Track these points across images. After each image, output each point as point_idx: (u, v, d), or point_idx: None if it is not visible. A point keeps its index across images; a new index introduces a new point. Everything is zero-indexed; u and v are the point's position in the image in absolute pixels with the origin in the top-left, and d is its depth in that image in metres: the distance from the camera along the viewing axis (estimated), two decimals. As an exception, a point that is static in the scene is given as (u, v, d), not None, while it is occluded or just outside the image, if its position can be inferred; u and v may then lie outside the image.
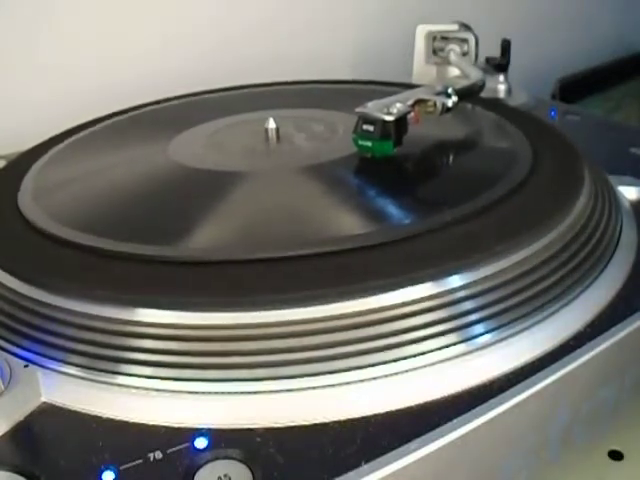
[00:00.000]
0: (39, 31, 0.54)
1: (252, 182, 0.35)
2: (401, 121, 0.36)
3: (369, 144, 0.35)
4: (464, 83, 0.43)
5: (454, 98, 0.38)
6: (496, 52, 0.54)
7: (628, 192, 0.38)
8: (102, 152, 0.42)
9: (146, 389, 0.25)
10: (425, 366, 0.25)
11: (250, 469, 0.22)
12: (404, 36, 0.56)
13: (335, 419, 0.24)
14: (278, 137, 0.40)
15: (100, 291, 0.27)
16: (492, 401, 0.24)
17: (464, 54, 0.53)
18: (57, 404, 0.25)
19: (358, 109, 0.36)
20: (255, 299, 0.25)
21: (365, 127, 0.35)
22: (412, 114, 0.37)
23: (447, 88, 0.38)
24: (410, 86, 0.43)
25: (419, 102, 0.37)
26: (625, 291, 0.30)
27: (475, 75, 0.46)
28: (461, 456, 0.24)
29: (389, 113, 0.35)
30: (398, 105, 0.36)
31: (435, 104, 0.37)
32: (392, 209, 0.33)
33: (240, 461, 0.22)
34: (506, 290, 0.27)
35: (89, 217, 0.33)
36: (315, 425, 0.24)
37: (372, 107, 0.36)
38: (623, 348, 0.28)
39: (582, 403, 0.27)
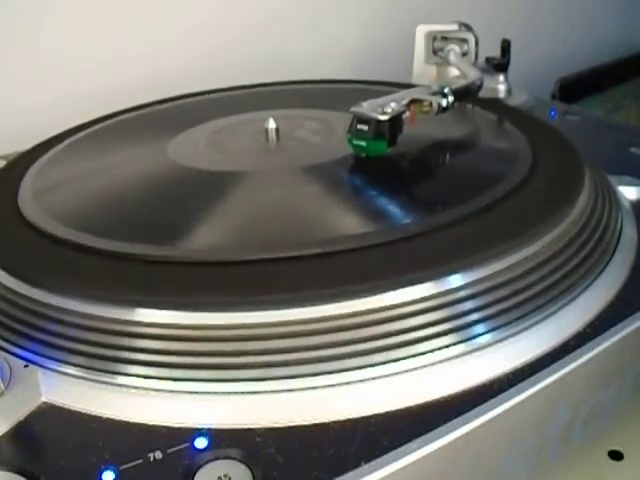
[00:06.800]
0: (39, 32, 0.54)
1: (252, 182, 0.35)
2: (395, 121, 0.35)
3: (363, 144, 0.35)
4: (461, 83, 0.43)
5: (450, 98, 0.38)
6: (496, 52, 0.54)
7: (628, 192, 0.38)
8: (102, 152, 0.42)
9: (146, 389, 0.25)
10: (425, 366, 0.25)
11: (250, 469, 0.22)
12: (404, 36, 0.56)
13: (335, 419, 0.24)
14: (278, 137, 0.40)
15: (100, 291, 0.27)
16: (492, 401, 0.24)
17: (464, 54, 0.53)
18: (57, 404, 0.25)
19: (353, 108, 0.36)
20: (254, 299, 0.25)
21: (359, 127, 0.35)
22: (407, 114, 0.37)
23: (443, 88, 0.38)
24: (410, 86, 0.43)
25: (415, 102, 0.37)
26: (625, 291, 0.30)
27: (473, 75, 0.45)
28: (461, 456, 0.24)
29: (383, 113, 0.35)
30: (393, 105, 0.36)
31: (431, 104, 0.37)
32: (391, 209, 0.32)
33: (240, 461, 0.22)
34: (506, 290, 0.27)
35: (89, 217, 0.33)
36: (315, 425, 0.24)
37: (367, 107, 0.36)
38: (623, 348, 0.28)
39: (582, 403, 0.27)
